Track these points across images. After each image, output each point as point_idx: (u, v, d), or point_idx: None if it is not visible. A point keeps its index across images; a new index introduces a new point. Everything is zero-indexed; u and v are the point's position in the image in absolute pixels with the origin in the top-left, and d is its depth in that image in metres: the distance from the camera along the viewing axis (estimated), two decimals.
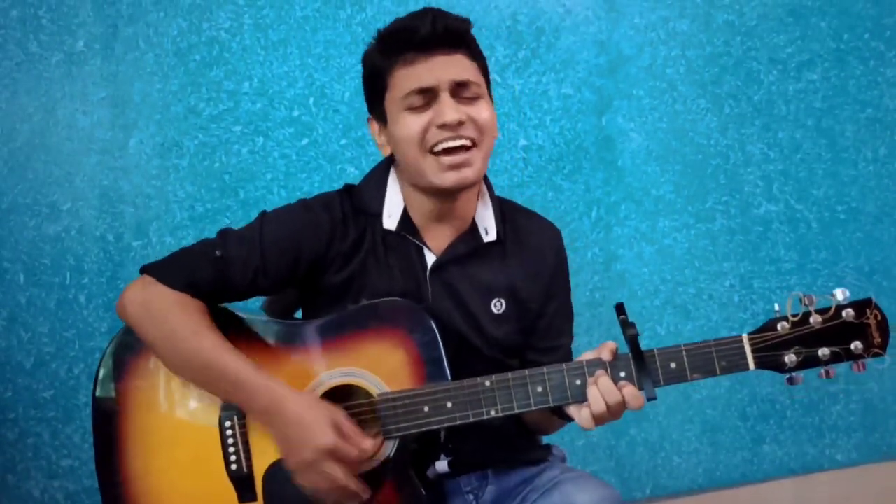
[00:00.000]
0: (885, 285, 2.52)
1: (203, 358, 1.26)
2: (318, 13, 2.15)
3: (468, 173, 1.32)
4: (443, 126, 1.29)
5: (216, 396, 1.30)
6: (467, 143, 1.31)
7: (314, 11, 2.15)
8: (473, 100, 1.33)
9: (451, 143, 1.30)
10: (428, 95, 1.31)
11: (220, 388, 1.28)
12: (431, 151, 1.31)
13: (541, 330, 1.46)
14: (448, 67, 1.31)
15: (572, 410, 1.28)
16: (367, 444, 1.24)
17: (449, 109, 1.29)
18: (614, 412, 1.23)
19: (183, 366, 1.29)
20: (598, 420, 1.24)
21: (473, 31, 1.37)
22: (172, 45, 2.06)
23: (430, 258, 1.39)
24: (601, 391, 1.23)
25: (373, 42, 1.38)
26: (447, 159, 1.30)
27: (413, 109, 1.31)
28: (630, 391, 1.23)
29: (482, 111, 1.33)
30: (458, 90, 1.32)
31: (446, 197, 1.36)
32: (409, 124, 1.31)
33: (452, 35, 1.32)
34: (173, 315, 1.27)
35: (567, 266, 1.51)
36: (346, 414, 1.25)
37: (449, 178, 1.31)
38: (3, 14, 1.98)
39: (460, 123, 1.30)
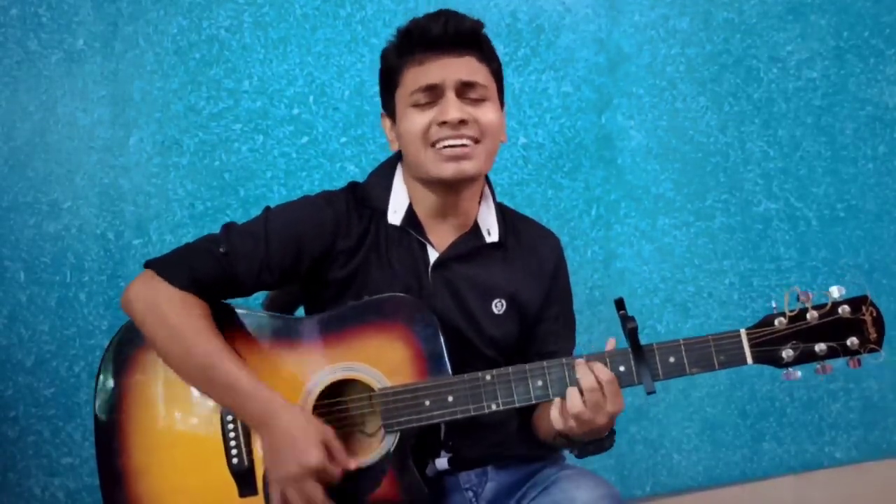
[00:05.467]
0: (885, 283, 2.52)
1: (202, 360, 1.27)
2: (318, 11, 2.15)
3: (467, 166, 1.34)
4: (444, 124, 1.32)
5: (212, 399, 1.30)
6: (468, 142, 1.33)
7: (314, 10, 2.15)
8: (479, 101, 1.35)
9: (451, 142, 1.32)
10: (434, 93, 1.33)
11: (216, 391, 1.29)
12: (433, 146, 1.33)
13: (542, 335, 1.47)
14: (456, 68, 1.33)
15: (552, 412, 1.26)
16: (352, 465, 1.25)
17: (452, 108, 1.32)
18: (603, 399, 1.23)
19: (182, 366, 1.29)
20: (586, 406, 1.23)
21: None
22: (172, 43, 2.07)
23: (433, 255, 1.40)
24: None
25: (391, 39, 1.41)
26: (447, 151, 1.32)
27: (419, 106, 1.34)
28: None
29: (487, 113, 1.35)
30: (464, 90, 1.34)
31: (447, 190, 1.38)
32: (414, 120, 1.34)
33: (463, 37, 1.35)
34: (176, 315, 1.27)
35: (567, 273, 1.53)
36: (335, 433, 1.26)
37: (448, 169, 1.33)
38: (2, 12, 1.98)
39: (462, 122, 1.32)
